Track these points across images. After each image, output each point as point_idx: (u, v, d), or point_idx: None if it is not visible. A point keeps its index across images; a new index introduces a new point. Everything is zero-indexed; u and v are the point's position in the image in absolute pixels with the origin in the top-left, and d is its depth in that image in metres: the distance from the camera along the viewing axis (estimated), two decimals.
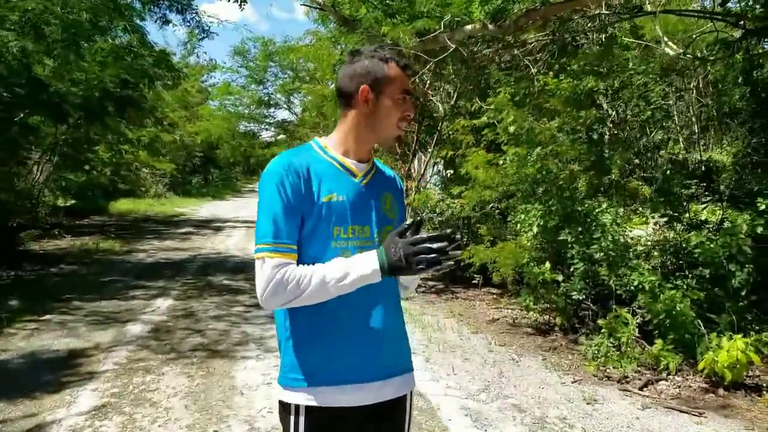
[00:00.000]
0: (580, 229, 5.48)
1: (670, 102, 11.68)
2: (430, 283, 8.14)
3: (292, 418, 1.41)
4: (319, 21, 13.16)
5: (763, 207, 4.84)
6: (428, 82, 9.85)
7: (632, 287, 5.07)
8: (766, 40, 8.21)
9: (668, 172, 5.93)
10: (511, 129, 5.74)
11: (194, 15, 9.03)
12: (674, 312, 4.53)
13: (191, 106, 23.64)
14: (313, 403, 1.40)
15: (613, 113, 8.13)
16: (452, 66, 8.29)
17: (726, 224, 5.32)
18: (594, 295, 5.58)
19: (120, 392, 4.01)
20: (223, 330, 5.60)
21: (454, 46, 6.65)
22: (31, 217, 13.69)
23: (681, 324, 4.54)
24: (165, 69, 10.45)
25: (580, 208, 5.58)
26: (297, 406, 1.41)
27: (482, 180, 6.38)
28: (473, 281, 7.24)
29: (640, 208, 6.91)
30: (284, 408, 1.44)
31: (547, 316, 5.86)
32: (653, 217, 7.54)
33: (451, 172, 10.30)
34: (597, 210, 5.63)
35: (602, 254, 5.31)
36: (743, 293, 4.70)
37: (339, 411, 1.41)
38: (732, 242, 4.67)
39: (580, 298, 5.54)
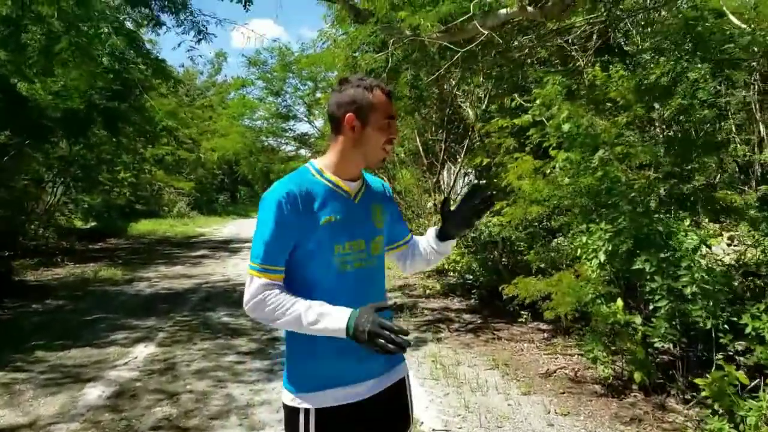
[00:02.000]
0: (661, 255, 4.15)
1: (728, 97, 10.15)
2: (466, 317, 6.86)
3: (302, 420, 1.55)
4: (337, 25, 12.15)
5: None
6: (456, 83, 8.63)
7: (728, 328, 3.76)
8: None
9: None
10: (566, 127, 4.47)
11: (188, 15, 8.03)
12: None
13: (214, 122, 22.85)
14: (320, 405, 1.55)
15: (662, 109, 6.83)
16: (485, 60, 7.05)
17: None
18: (685, 343, 4.24)
19: None
20: (203, 393, 4.41)
21: (486, 32, 5.42)
22: (37, 243, 12.95)
23: None
24: (161, 77, 9.48)
25: (660, 228, 4.27)
26: (306, 410, 1.56)
27: (528, 193, 5.10)
28: (520, 318, 5.93)
29: (728, 222, 5.52)
30: (292, 412, 1.58)
31: (619, 367, 4.53)
32: (741, 232, 6.16)
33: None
34: (681, 229, 4.32)
35: (695, 288, 3.97)
36: None
37: (343, 407, 1.56)
38: None
39: (666, 346, 4.22)
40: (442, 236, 1.81)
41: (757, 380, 3.71)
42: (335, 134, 1.63)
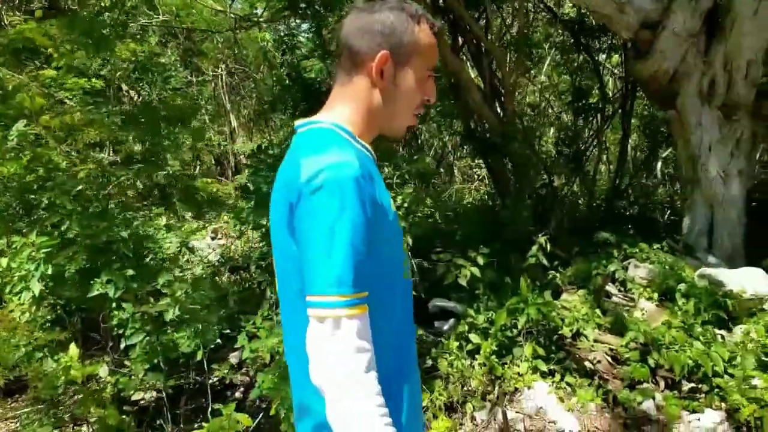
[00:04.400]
0: (130, 271, 2.90)
1: (200, 87, 10.09)
2: None
3: None
4: None
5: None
6: None
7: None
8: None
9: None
10: None
11: None
12: None
13: None
14: None
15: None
16: None
17: None
18: (194, 384, 3.17)
19: None
20: None
21: None
22: None
23: None
24: None
25: (124, 233, 3.01)
26: None
27: None
28: None
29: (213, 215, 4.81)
30: None
31: None
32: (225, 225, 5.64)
33: None
34: (156, 230, 3.21)
35: (178, 311, 2.92)
36: None
37: None
38: None
39: (147, 397, 3.04)
40: None
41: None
42: (352, 74, 1.05)
